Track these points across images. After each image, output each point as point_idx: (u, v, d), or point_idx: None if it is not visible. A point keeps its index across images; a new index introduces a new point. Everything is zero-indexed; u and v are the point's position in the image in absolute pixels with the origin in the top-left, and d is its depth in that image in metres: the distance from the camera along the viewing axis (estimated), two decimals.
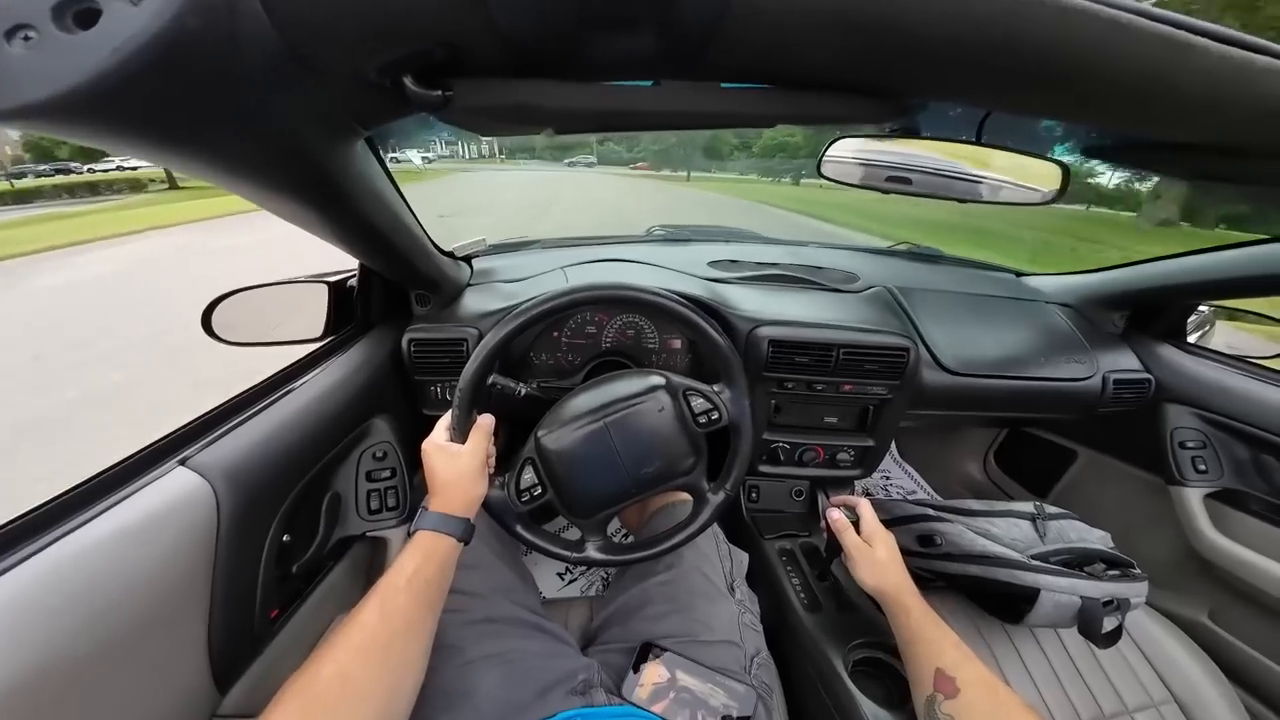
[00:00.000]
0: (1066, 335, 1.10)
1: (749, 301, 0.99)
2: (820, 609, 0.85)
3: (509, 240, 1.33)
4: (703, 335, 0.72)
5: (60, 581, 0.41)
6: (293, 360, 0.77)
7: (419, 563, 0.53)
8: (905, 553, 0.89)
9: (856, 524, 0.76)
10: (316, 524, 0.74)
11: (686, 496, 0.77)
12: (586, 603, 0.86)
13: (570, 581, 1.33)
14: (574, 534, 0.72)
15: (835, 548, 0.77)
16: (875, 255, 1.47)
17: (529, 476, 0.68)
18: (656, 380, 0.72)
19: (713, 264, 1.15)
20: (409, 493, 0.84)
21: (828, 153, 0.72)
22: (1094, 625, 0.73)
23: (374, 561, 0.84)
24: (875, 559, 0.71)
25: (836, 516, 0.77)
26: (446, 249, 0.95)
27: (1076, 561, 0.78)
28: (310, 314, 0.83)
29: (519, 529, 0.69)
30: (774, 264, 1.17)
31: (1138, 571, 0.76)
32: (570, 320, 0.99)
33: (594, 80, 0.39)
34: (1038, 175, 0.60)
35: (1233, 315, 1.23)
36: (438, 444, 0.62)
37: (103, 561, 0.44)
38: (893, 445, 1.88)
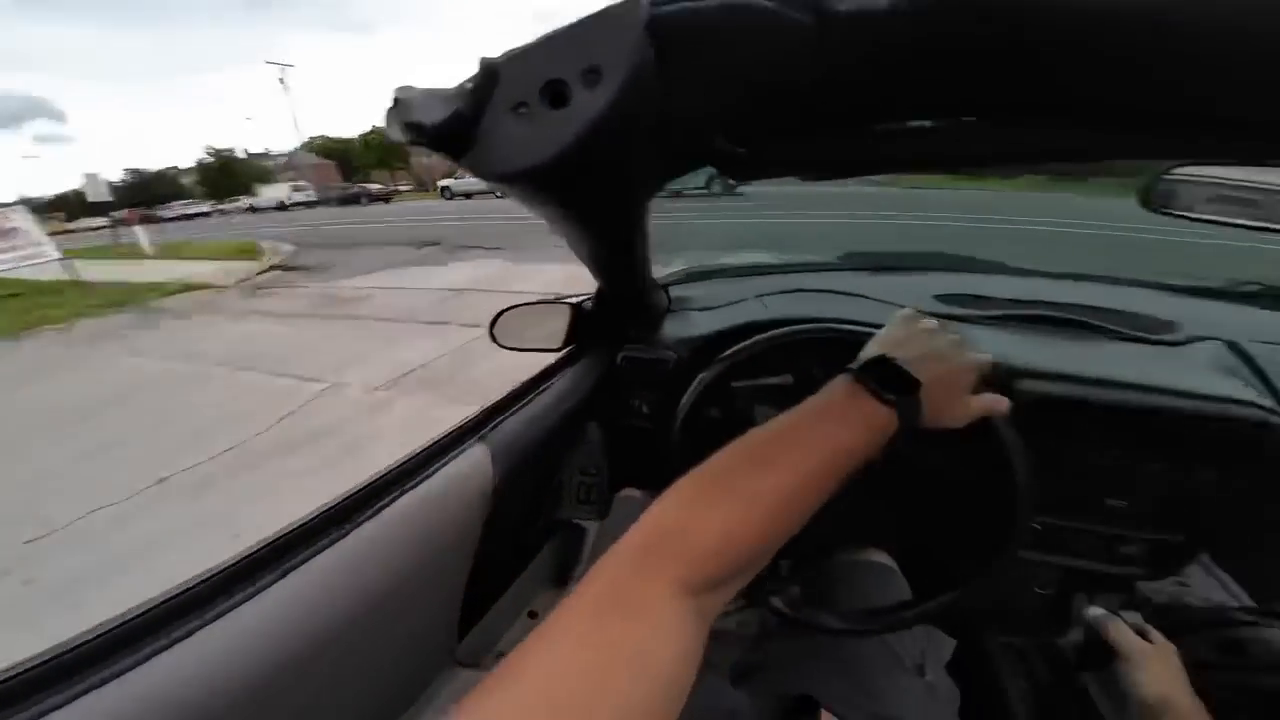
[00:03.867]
0: None
1: (999, 347, 0.83)
2: None
3: (700, 268, 1.37)
4: None
5: (394, 531, 0.51)
6: (545, 365, 0.94)
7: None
8: (1200, 665, 0.69)
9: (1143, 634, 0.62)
10: (541, 503, 0.88)
11: (882, 558, 0.70)
12: (738, 638, 0.85)
13: (726, 614, 1.32)
14: None
15: (1098, 655, 0.63)
16: (1204, 298, 1.12)
17: None
18: None
19: (942, 298, 1.01)
20: (605, 492, 0.94)
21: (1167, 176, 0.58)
22: None
23: (571, 547, 0.94)
24: (1167, 663, 0.59)
25: (1112, 624, 0.63)
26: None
27: None
28: (558, 328, 1.02)
29: None
30: (1037, 301, 0.98)
31: None
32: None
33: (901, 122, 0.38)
34: None
35: None
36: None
37: (425, 516, 0.55)
38: None
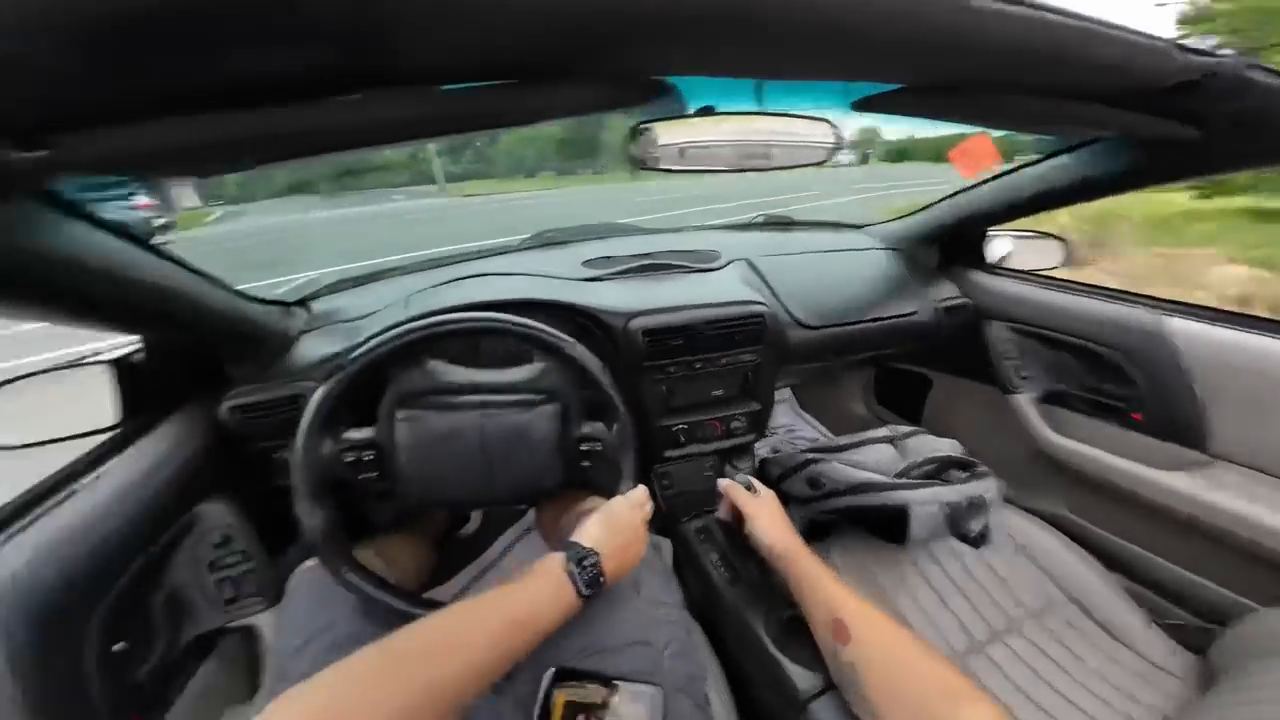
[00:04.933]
0: (899, 277, 1.23)
1: (623, 296, 1.00)
2: (741, 579, 0.85)
3: (354, 273, 1.22)
4: (545, 346, 0.70)
5: None
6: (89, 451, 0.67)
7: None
8: (800, 499, 0.96)
9: (750, 489, 0.79)
10: (155, 627, 0.67)
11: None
12: None
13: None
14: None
15: (737, 515, 0.79)
16: (737, 231, 1.54)
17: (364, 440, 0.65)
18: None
19: (587, 263, 1.14)
20: (271, 572, 0.78)
21: (638, 141, 0.66)
22: (962, 528, 0.80)
23: (253, 650, 0.81)
24: (770, 509, 0.75)
25: (725, 484, 0.80)
26: (264, 296, 0.86)
27: (935, 472, 0.87)
28: (97, 400, 0.71)
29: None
30: (646, 254, 1.19)
31: (984, 469, 0.85)
32: (437, 348, 0.92)
33: (257, 105, 0.32)
34: (817, 134, 0.65)
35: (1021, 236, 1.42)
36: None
37: None
38: (793, 399, 2.00)
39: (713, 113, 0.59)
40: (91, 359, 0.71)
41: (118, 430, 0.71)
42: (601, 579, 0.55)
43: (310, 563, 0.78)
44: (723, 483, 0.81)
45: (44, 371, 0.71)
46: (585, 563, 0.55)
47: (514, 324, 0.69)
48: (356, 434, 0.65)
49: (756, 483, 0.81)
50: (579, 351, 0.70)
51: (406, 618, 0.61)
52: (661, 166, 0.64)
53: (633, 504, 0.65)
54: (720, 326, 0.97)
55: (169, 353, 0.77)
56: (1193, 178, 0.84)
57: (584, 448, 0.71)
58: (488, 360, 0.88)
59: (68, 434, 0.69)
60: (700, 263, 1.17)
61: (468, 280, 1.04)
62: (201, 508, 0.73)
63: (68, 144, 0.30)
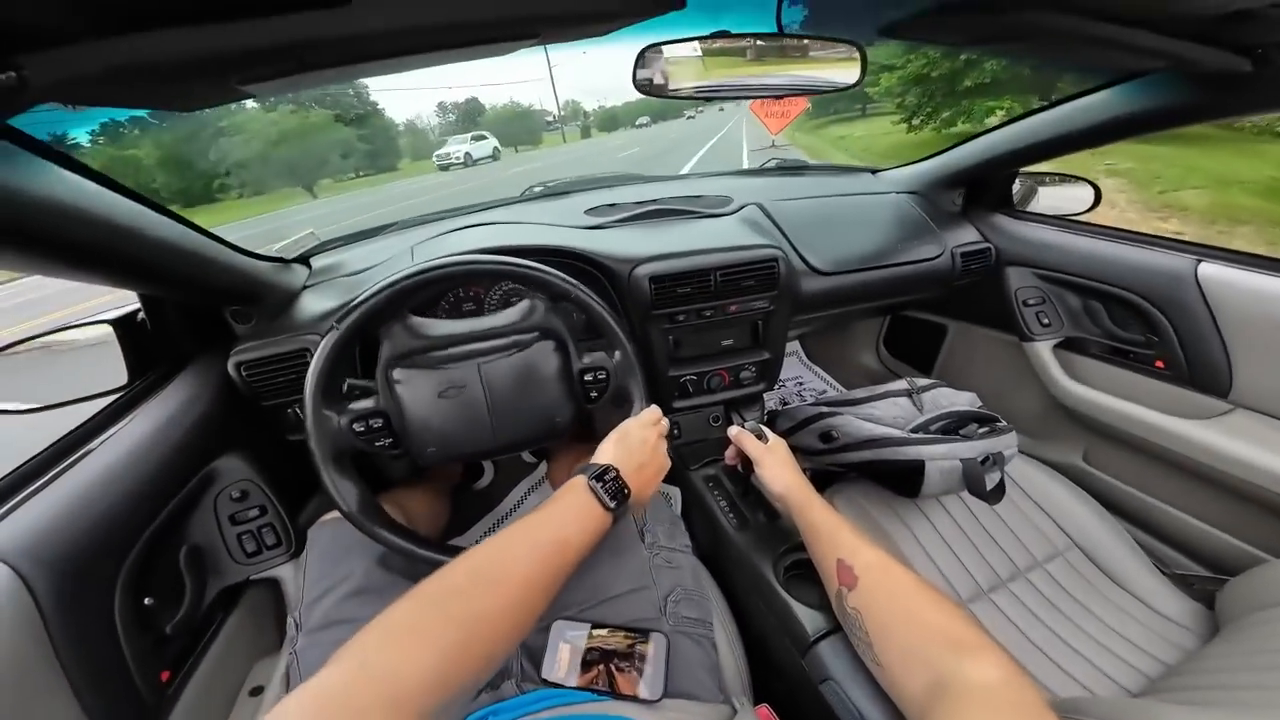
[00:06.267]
0: (916, 221, 1.18)
1: (628, 243, 0.97)
2: (749, 524, 0.86)
3: (358, 229, 1.20)
4: (526, 280, 0.68)
5: None
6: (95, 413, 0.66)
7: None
8: (811, 452, 0.95)
9: (761, 437, 0.78)
10: (181, 582, 0.69)
11: None
12: None
13: None
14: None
15: (746, 463, 0.79)
16: (748, 176, 1.49)
17: (369, 410, 0.64)
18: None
19: (590, 211, 1.11)
20: (291, 525, 0.79)
21: (639, 66, 0.66)
22: (978, 484, 0.78)
23: (278, 601, 0.82)
24: (780, 456, 0.74)
25: (736, 431, 0.80)
26: (264, 253, 0.84)
27: (953, 426, 0.85)
28: (107, 360, 0.70)
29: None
30: (653, 200, 1.15)
31: (1004, 424, 0.83)
32: (444, 299, 0.92)
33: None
34: (840, 61, 0.60)
35: (1044, 180, 1.35)
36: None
37: None
38: (800, 351, 1.98)
39: (728, 35, 0.55)
40: (92, 319, 0.70)
41: (129, 389, 0.70)
42: (626, 491, 0.55)
43: (329, 516, 0.79)
44: (732, 430, 0.80)
45: (41, 335, 0.70)
46: (606, 477, 0.55)
47: (489, 263, 0.67)
48: (360, 405, 0.65)
49: (767, 430, 0.80)
50: (560, 277, 0.68)
51: (424, 568, 0.63)
52: (670, 91, 0.60)
53: (645, 422, 0.65)
54: (731, 272, 0.93)
55: (173, 311, 0.75)
56: (1240, 115, 0.79)
57: (589, 378, 0.71)
58: (470, 309, 0.92)
59: (76, 397, 0.69)
60: (710, 208, 1.13)
61: (471, 229, 1.02)
62: (219, 463, 0.74)
63: (37, 64, 0.26)
